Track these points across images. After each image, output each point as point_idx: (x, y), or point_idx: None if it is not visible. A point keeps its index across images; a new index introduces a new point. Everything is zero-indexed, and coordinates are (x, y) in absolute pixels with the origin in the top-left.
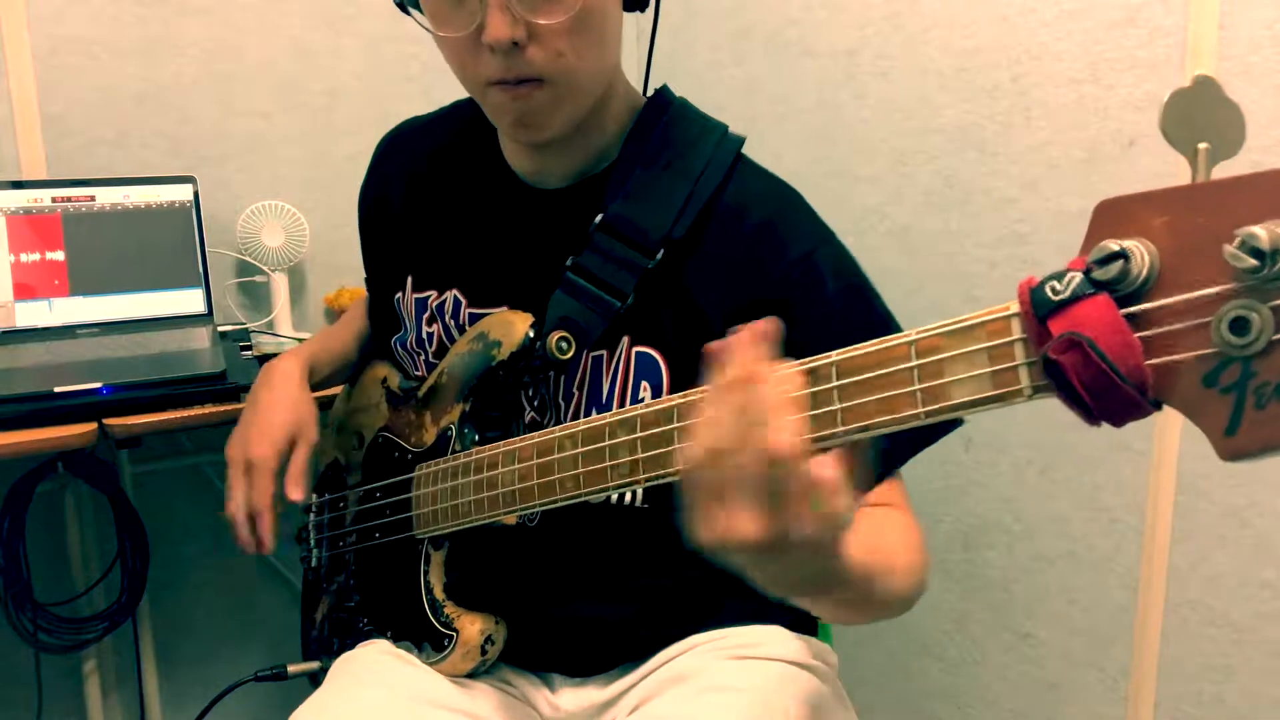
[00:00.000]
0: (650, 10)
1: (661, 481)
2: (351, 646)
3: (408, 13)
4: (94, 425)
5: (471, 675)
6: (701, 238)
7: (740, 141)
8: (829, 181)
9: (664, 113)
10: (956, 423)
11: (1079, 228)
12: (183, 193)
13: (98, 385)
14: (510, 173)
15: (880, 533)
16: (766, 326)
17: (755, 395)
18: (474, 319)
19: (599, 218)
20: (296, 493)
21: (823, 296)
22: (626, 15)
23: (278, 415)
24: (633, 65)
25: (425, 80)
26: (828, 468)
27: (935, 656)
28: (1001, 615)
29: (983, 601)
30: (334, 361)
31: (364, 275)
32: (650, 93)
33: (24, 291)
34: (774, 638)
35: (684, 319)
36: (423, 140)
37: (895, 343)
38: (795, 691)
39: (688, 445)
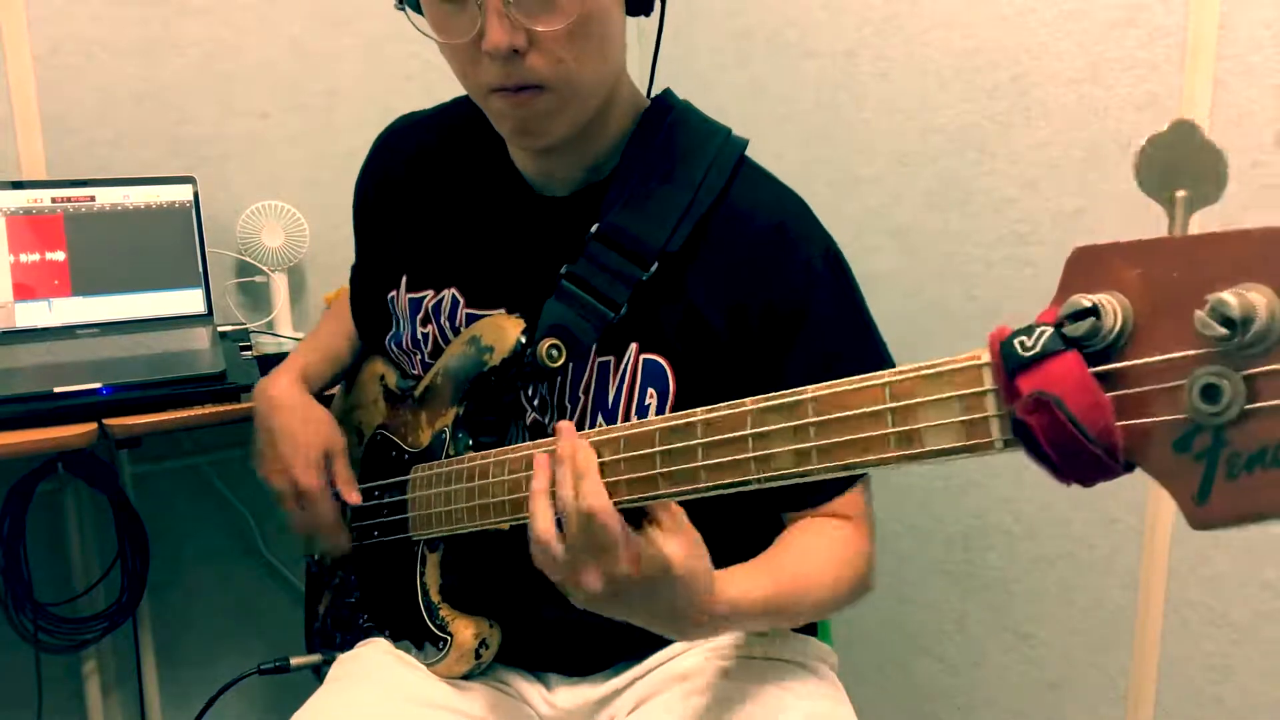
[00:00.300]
0: (654, 13)
1: (645, 502)
2: (352, 642)
3: (407, 13)
4: (94, 425)
5: (466, 677)
6: (704, 244)
7: (743, 145)
8: (829, 182)
9: (666, 118)
10: None
11: (1079, 228)
12: (183, 193)
13: (98, 385)
14: (515, 174)
15: (796, 555)
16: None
17: (568, 471)
18: (471, 319)
19: (595, 227)
20: (355, 497)
21: (829, 302)
22: (629, 19)
23: (304, 436)
24: (635, 67)
25: (425, 80)
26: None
27: (935, 656)
28: (1001, 615)
29: (983, 601)
30: (326, 369)
31: (352, 276)
32: (653, 95)
33: (24, 292)
34: (773, 638)
35: (689, 326)
36: (423, 136)
37: (870, 384)
38: (795, 691)
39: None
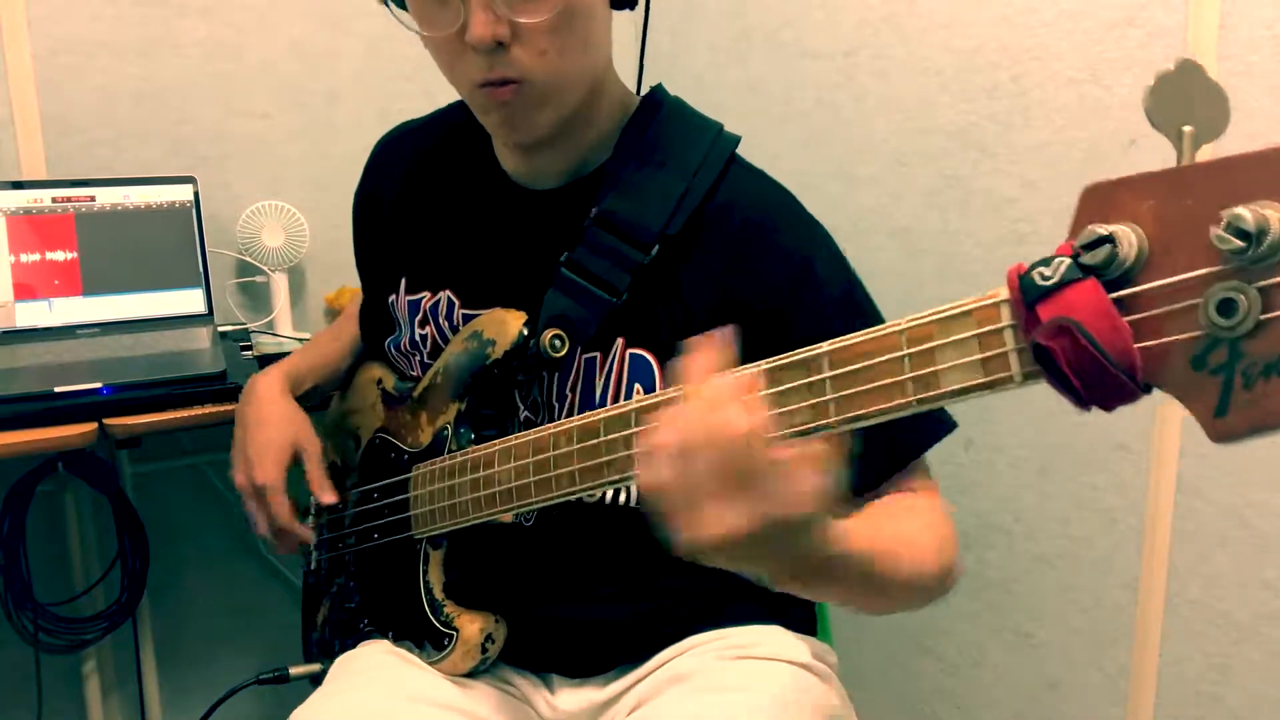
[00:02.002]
0: (639, 8)
1: None
2: (353, 648)
3: (390, 8)
4: (94, 425)
5: (472, 674)
6: (694, 237)
7: (735, 141)
8: (829, 182)
9: (657, 112)
10: (945, 429)
11: None
12: (183, 193)
13: (98, 385)
14: (503, 173)
15: (892, 519)
16: (724, 333)
17: (710, 392)
18: (467, 320)
19: (594, 212)
20: (329, 496)
21: (819, 303)
22: (623, 14)
23: (270, 433)
24: (629, 66)
25: (425, 80)
26: (798, 447)
27: (935, 656)
28: (1001, 615)
29: (983, 601)
30: (320, 374)
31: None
32: (644, 91)
33: (24, 291)
34: (773, 638)
35: (677, 319)
36: (417, 143)
37: (886, 331)
38: (795, 691)
39: (646, 452)
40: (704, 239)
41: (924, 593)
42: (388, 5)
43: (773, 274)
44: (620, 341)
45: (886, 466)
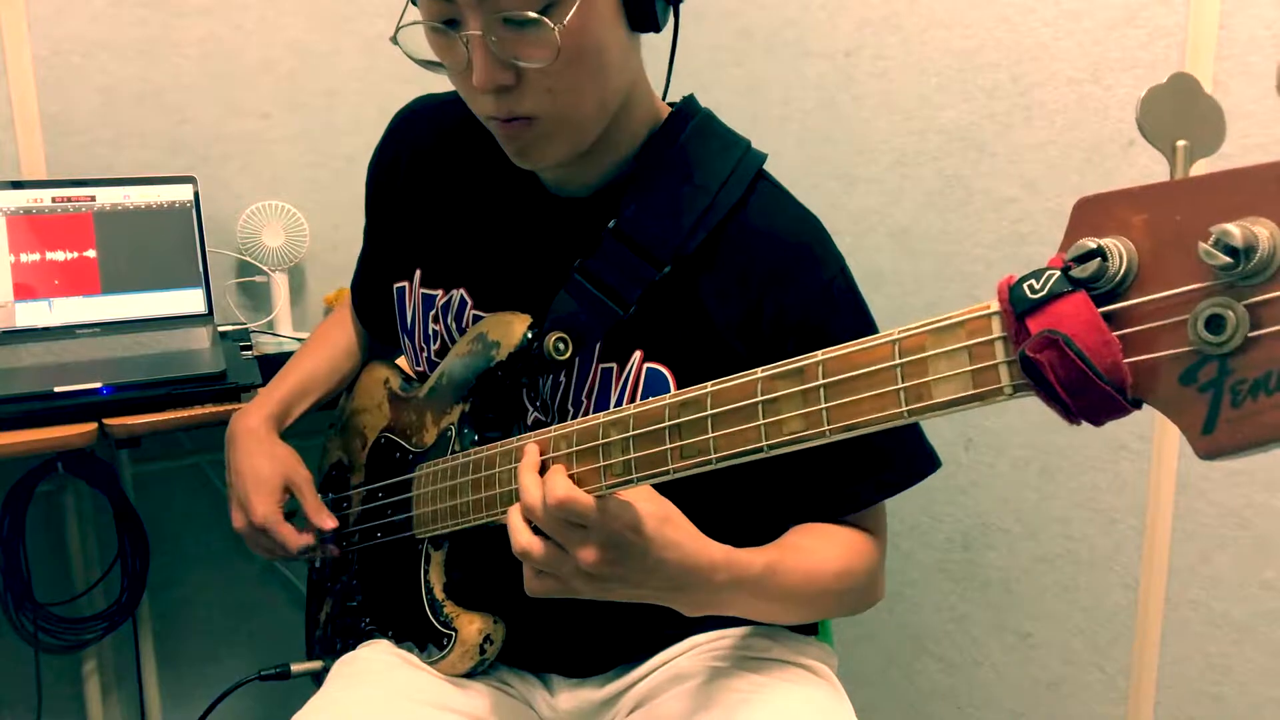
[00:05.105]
0: (673, 31)
1: (656, 481)
2: (354, 646)
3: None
4: (94, 425)
5: (470, 675)
6: (720, 252)
7: (761, 159)
8: (829, 182)
9: (687, 125)
10: (931, 468)
11: None
12: (183, 193)
13: (98, 385)
14: (533, 177)
15: (804, 537)
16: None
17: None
18: (477, 320)
19: (612, 223)
20: (330, 522)
21: (846, 320)
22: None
23: (260, 472)
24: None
25: (425, 80)
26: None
27: (935, 656)
28: (1001, 615)
29: (983, 601)
30: (312, 394)
31: (359, 262)
32: (671, 98)
33: (24, 291)
34: (773, 639)
35: (696, 335)
36: (446, 116)
37: (879, 342)
38: (794, 692)
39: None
40: (735, 253)
41: (840, 604)
42: (396, 41)
43: (808, 296)
44: (639, 355)
45: (839, 508)
